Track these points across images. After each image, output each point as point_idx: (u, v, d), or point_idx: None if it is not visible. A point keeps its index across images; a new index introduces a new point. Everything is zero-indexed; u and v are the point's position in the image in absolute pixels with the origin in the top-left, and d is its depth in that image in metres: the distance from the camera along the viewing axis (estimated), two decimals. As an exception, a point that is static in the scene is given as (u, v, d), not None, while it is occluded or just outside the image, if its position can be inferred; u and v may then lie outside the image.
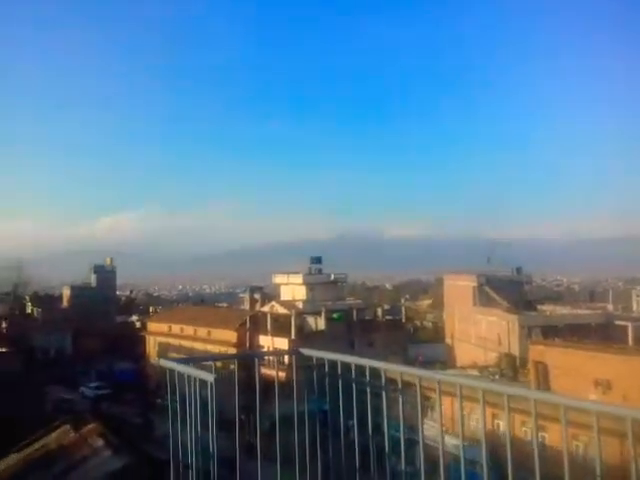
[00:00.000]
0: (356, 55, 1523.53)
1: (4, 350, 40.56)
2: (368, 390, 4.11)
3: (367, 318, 55.67)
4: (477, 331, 52.53)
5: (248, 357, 5.33)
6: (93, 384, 58.53)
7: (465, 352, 52.88)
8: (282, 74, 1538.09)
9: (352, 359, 4.22)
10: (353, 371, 4.20)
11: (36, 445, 21.82)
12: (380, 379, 3.97)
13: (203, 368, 4.25)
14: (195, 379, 4.02)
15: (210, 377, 3.89)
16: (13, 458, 21.25)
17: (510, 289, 55.11)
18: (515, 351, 44.00)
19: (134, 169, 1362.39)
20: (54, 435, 22.29)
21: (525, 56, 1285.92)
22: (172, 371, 4.24)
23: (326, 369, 4.44)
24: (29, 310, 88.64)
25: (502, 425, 15.51)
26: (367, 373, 4.07)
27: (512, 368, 39.89)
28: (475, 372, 39.57)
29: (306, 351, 4.69)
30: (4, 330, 68.28)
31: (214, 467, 4.04)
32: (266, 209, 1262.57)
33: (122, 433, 22.17)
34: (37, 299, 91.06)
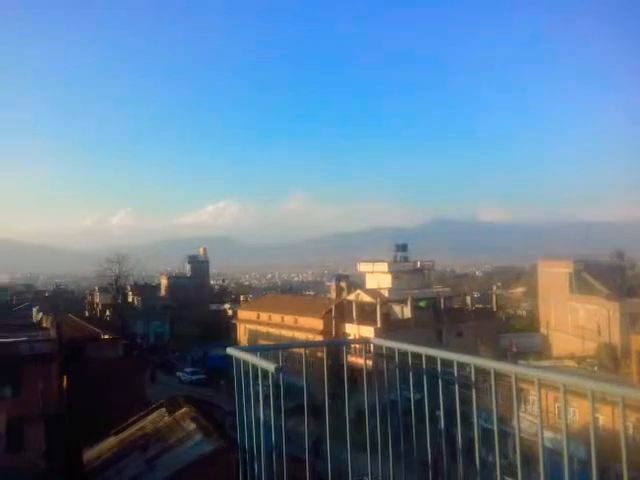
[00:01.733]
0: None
1: (108, 337, 43.17)
2: (440, 381, 3.90)
3: (455, 306, 54.26)
4: (574, 320, 49.71)
5: (319, 345, 5.22)
6: (188, 369, 61.29)
7: (562, 342, 50.23)
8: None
9: (423, 350, 4.03)
10: (424, 361, 4.00)
11: (134, 428, 23.20)
12: (463, 370, 3.75)
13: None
14: (260, 368, 4.00)
15: (271, 367, 3.85)
16: (111, 441, 22.74)
17: (611, 275, 51.62)
18: (616, 341, 41.20)
19: (224, 163, 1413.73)
20: (150, 418, 23.58)
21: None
22: (238, 359, 4.25)
23: (396, 359, 4.29)
24: (130, 299, 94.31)
25: (601, 419, 14.55)
26: (438, 364, 3.87)
27: (612, 359, 37.35)
28: (572, 363, 37.44)
29: (377, 341, 4.60)
30: (108, 318, 72.98)
31: (279, 454, 4.06)
32: (356, 197, 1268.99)
33: (213, 418, 23.01)
34: (137, 288, 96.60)
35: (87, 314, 76.55)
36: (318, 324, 51.71)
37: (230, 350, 4.34)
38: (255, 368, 4.01)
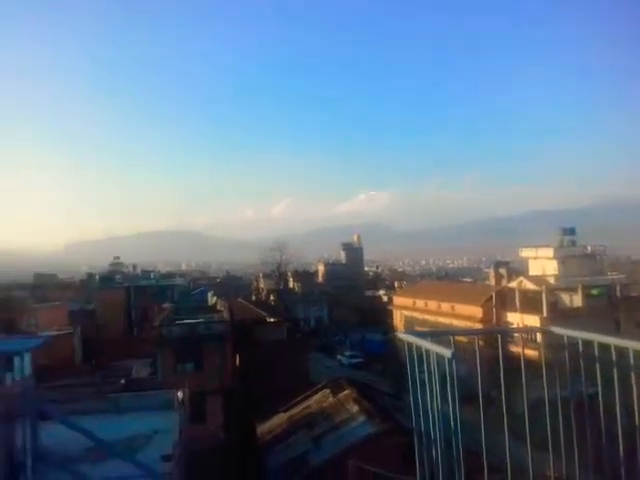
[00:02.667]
0: None
1: (273, 320, 46.07)
2: (632, 374, 3.60)
3: (633, 295, 49.09)
4: None
5: (491, 333, 5.09)
6: (347, 353, 63.08)
7: None
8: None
9: (612, 340, 3.74)
10: (613, 353, 3.73)
11: (301, 406, 24.55)
12: None
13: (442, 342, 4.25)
14: (433, 353, 4.02)
15: (448, 352, 3.85)
16: (281, 417, 24.31)
17: None
18: None
19: (378, 151, 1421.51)
20: (315, 398, 24.76)
21: None
22: (411, 344, 4.30)
23: (580, 349, 4.05)
24: (291, 285, 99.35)
25: None
26: (631, 356, 3.57)
27: None
28: None
29: (557, 329, 4.39)
30: (272, 302, 77.64)
31: (456, 440, 4.04)
32: (513, 179, 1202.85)
33: (375, 401, 23.45)
34: (297, 275, 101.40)
35: (253, 298, 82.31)
36: (477, 312, 50.06)
37: (402, 335, 4.43)
38: (428, 353, 4.05)
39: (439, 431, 4.09)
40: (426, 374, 4.13)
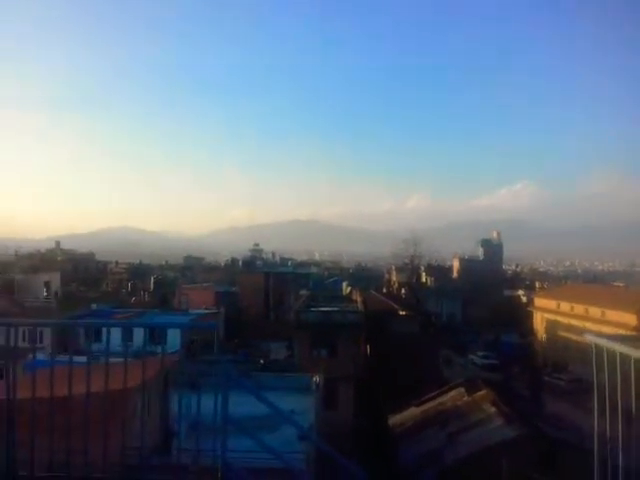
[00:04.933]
0: None
1: (405, 313, 45.58)
2: None
3: None
4: None
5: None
6: (480, 353, 60.71)
7: None
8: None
9: None
10: None
11: (434, 402, 24.09)
12: None
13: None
14: (630, 359, 3.65)
15: (647, 357, 3.46)
16: (414, 411, 24.02)
17: None
18: None
19: (521, 144, 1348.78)
20: (450, 395, 24.16)
21: None
22: (599, 348, 3.97)
23: None
24: (423, 279, 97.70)
25: None
26: None
27: None
28: None
29: None
30: (403, 295, 76.96)
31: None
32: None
33: (512, 405, 22.36)
34: (430, 269, 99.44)
35: (384, 290, 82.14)
36: (630, 319, 45.78)
37: (590, 337, 4.12)
38: (624, 359, 3.69)
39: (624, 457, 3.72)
40: (619, 382, 3.76)
